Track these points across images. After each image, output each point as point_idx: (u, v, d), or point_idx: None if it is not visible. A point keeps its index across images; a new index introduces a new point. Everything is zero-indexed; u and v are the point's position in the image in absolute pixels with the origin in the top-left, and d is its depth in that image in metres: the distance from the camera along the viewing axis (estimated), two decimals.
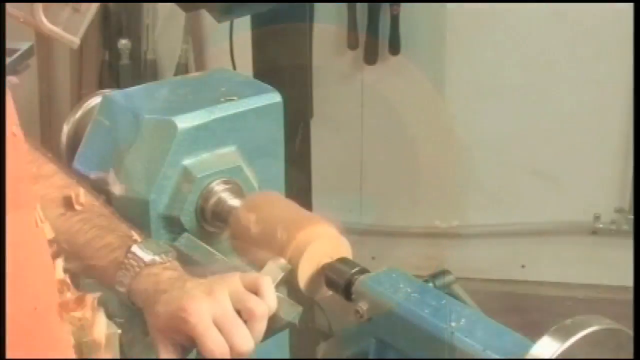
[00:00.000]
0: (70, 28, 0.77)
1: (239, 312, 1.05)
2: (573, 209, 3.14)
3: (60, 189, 1.15)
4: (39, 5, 0.76)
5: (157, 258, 1.10)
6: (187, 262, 1.17)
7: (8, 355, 0.66)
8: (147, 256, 1.10)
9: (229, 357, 1.02)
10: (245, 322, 1.04)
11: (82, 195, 1.14)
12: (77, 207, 1.12)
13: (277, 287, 1.11)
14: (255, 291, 1.06)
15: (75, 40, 0.78)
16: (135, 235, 1.13)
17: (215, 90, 1.35)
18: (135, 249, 1.11)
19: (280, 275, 1.13)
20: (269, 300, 1.06)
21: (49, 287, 0.73)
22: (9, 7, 0.75)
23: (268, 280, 1.08)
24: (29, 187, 0.71)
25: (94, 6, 0.79)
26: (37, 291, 0.70)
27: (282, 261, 1.14)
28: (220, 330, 1.03)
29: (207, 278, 1.09)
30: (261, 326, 1.05)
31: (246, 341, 1.03)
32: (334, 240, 1.16)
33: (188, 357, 1.07)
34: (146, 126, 1.26)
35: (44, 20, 0.75)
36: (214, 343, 1.02)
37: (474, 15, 3.02)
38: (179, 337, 1.05)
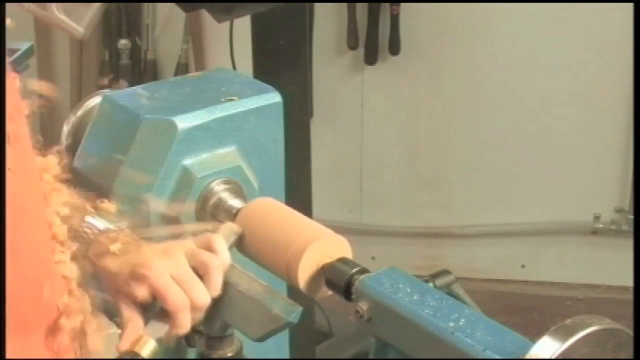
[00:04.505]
0: (74, 18, 0.78)
1: (195, 270, 1.09)
2: (573, 209, 3.14)
3: None
4: None
5: (110, 226, 1.13)
6: None
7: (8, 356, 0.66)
8: (101, 224, 1.13)
9: (189, 310, 1.07)
10: (201, 278, 1.09)
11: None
12: None
13: (230, 248, 1.15)
14: (208, 249, 1.12)
15: (80, 29, 0.78)
16: (89, 207, 1.16)
17: (215, 90, 1.35)
18: (89, 218, 1.14)
19: (232, 237, 1.17)
20: (222, 255, 1.11)
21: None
22: None
23: (219, 237, 1.14)
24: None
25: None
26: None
27: (235, 226, 1.19)
28: (178, 285, 1.07)
29: (162, 243, 1.14)
30: (217, 278, 1.09)
31: (204, 295, 1.08)
32: (334, 240, 1.16)
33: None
34: (146, 126, 1.26)
35: (55, 9, 0.75)
36: (176, 296, 1.06)
37: (474, 16, 3.02)
38: (139, 293, 1.08)
